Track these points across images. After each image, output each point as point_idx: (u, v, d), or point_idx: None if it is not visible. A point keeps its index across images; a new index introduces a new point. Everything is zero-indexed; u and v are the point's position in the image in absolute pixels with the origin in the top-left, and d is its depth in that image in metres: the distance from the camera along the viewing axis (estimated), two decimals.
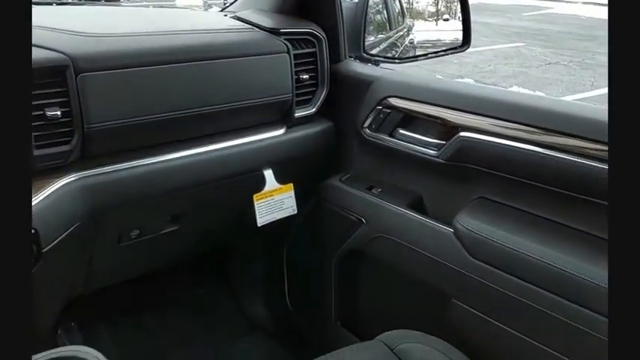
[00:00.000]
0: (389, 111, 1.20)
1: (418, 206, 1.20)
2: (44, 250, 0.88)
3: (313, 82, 1.24)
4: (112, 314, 1.49)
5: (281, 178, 1.23)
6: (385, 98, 1.20)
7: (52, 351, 0.72)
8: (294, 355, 0.99)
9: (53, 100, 0.88)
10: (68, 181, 0.94)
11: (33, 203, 0.86)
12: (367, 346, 0.98)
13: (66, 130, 0.91)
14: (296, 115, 1.22)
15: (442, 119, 1.10)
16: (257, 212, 1.21)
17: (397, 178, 1.25)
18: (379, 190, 1.25)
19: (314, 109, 1.25)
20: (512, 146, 0.99)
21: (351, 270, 1.33)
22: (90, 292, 1.22)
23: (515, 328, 0.98)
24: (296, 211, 1.27)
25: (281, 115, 1.21)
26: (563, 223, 0.98)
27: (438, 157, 1.11)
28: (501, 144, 1.01)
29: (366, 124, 1.24)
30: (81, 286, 1.13)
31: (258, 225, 1.21)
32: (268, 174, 1.21)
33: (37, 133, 0.87)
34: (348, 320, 1.38)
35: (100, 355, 0.73)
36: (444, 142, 1.10)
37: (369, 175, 1.30)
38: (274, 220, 1.24)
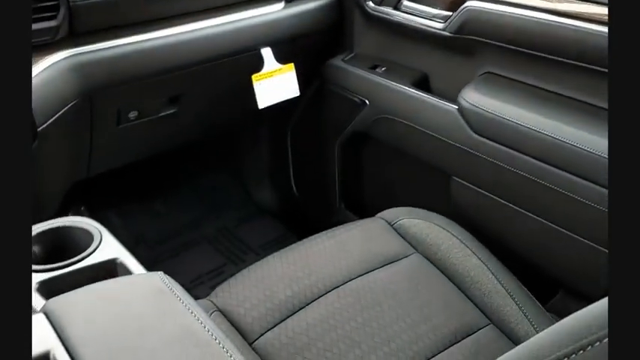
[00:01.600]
0: None
1: (423, 84, 1.16)
2: (40, 129, 0.87)
3: None
4: (122, 199, 1.52)
5: (281, 58, 1.18)
6: None
7: (53, 221, 0.73)
8: (299, 236, 1.01)
9: None
10: (59, 59, 0.91)
11: None
12: (366, 222, 0.99)
13: (51, 4, 0.87)
14: None
15: None
16: (257, 94, 1.18)
17: (402, 55, 1.20)
18: (383, 69, 1.21)
19: None
20: (524, 15, 0.93)
21: (354, 152, 1.33)
22: (99, 178, 1.23)
23: (516, 203, 0.98)
24: (298, 93, 1.24)
25: None
26: (576, 98, 0.94)
27: (444, 29, 1.05)
28: (512, 13, 0.95)
29: None
30: (84, 168, 1.14)
31: (259, 107, 1.19)
32: (267, 52, 1.16)
33: None
34: (351, 202, 1.40)
35: (101, 226, 0.75)
36: (450, 14, 1.04)
37: (373, 53, 1.25)
38: (276, 102, 1.21)
